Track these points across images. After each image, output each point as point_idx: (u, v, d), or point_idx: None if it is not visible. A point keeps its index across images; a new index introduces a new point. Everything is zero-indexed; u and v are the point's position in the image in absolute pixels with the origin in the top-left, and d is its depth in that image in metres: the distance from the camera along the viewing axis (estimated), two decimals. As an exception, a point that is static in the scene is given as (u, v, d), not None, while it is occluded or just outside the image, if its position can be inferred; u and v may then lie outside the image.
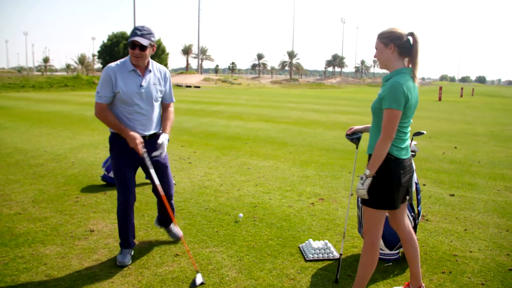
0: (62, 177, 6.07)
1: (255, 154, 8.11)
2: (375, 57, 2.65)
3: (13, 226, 4.15)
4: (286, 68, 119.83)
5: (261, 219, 4.43)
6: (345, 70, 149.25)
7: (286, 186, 5.77)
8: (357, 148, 3.26)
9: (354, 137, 3.15)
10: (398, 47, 2.54)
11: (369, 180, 2.51)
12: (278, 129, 12.28)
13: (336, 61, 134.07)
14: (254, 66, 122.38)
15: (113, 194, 5.26)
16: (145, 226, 4.19)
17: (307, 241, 3.71)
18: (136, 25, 3.25)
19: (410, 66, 2.59)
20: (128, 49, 3.26)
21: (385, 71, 2.64)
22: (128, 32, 61.05)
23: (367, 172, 2.51)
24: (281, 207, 4.86)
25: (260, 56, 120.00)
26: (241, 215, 4.42)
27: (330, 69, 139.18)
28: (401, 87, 2.43)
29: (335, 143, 9.78)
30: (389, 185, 2.56)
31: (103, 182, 5.72)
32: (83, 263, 3.37)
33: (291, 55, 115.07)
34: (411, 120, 2.61)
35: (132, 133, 3.18)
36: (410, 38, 2.55)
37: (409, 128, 2.63)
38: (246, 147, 8.92)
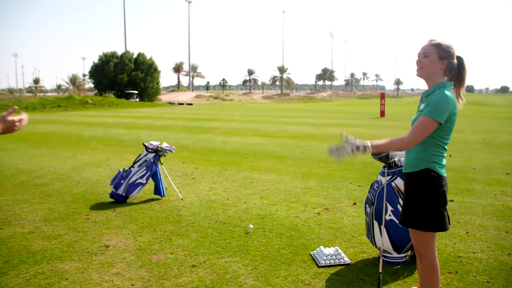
0: (70, 196, 6.16)
1: (256, 168, 8.27)
2: (417, 63, 2.50)
3: (29, 244, 4.24)
4: (277, 83, 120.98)
5: (271, 230, 4.57)
6: (335, 83, 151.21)
7: (290, 198, 5.93)
8: (386, 166, 3.21)
9: (382, 156, 3.09)
10: (449, 65, 2.48)
11: (360, 152, 2.32)
12: (276, 143, 12.47)
13: (326, 74, 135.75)
14: (245, 81, 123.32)
15: (122, 211, 5.37)
16: (159, 240, 4.31)
17: (318, 248, 3.85)
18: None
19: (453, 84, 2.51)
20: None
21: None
22: (119, 51, 60.94)
23: (368, 144, 2.33)
24: (289, 217, 5.01)
25: (250, 72, 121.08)
26: (251, 226, 4.56)
27: (321, 82, 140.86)
28: (450, 101, 2.36)
29: (333, 155, 9.96)
30: (436, 205, 2.46)
31: (111, 199, 5.83)
32: (103, 277, 3.48)
33: (282, 70, 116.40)
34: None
35: None
36: (455, 61, 2.49)
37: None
38: (246, 162, 9.08)
